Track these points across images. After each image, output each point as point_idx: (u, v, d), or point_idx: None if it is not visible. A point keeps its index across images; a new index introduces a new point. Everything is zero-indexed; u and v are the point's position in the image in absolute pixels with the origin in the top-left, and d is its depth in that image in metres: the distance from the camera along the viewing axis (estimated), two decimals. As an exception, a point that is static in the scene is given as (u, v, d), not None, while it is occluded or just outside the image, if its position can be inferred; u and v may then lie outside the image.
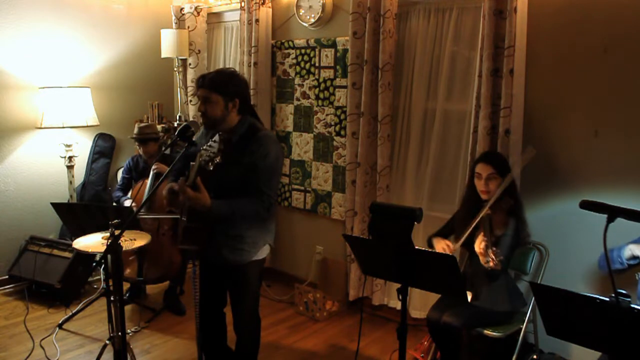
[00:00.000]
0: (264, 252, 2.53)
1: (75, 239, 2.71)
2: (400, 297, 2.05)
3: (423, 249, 2.00)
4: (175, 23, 4.71)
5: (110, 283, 2.47)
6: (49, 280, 3.83)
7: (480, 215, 2.58)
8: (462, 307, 2.60)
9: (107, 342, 2.58)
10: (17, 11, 3.98)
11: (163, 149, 3.87)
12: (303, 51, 4.00)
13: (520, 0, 2.79)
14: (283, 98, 4.20)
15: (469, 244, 2.66)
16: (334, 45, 3.81)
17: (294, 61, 4.08)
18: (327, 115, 3.91)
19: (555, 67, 2.84)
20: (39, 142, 4.21)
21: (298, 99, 4.09)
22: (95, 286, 4.18)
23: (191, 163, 2.21)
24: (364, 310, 3.60)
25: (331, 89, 3.86)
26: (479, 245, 2.54)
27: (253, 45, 4.08)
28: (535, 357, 2.87)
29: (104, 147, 4.55)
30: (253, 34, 4.06)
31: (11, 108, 4.05)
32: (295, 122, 4.13)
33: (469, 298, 2.63)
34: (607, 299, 1.49)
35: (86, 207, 3.55)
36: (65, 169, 4.17)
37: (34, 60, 4.11)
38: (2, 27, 3.93)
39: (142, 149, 3.78)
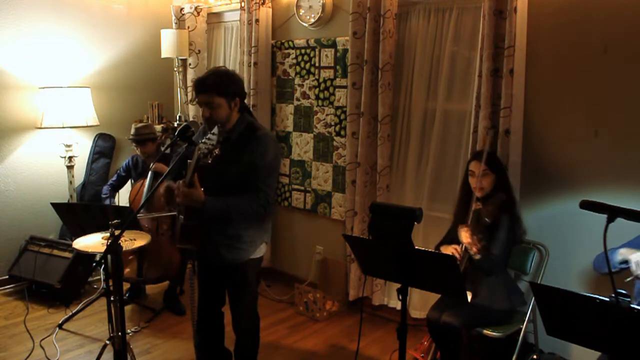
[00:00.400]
0: (261, 251, 2.54)
1: (75, 239, 2.71)
2: (400, 297, 2.05)
3: (423, 249, 2.00)
4: (175, 23, 4.71)
5: (110, 283, 2.47)
6: (49, 280, 3.83)
7: (472, 210, 2.66)
8: (462, 307, 2.60)
9: (107, 342, 2.58)
10: (17, 11, 3.98)
11: (162, 148, 3.87)
12: (303, 51, 4.00)
13: (520, 0, 2.79)
14: (283, 98, 4.20)
15: (479, 239, 2.68)
16: (334, 45, 3.81)
17: (294, 61, 4.08)
18: (327, 115, 3.91)
19: (555, 67, 2.84)
20: (39, 142, 4.21)
21: (298, 99, 4.08)
22: (95, 286, 4.18)
23: (188, 161, 2.21)
24: (364, 310, 3.60)
25: (331, 89, 3.86)
26: (465, 235, 2.61)
27: (253, 45, 4.08)
28: (535, 357, 2.87)
29: (104, 147, 4.55)
30: (253, 34, 4.06)
31: (11, 108, 4.05)
32: (295, 122, 4.13)
33: (469, 297, 2.64)
34: (607, 299, 1.49)
35: (86, 207, 3.55)
36: (65, 169, 4.17)
37: (34, 60, 4.11)
38: (2, 27, 3.93)
39: (139, 149, 3.77)
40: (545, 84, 2.88)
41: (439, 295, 2.78)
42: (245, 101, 2.47)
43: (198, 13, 4.60)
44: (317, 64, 3.93)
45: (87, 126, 4.19)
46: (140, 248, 2.87)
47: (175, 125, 4.50)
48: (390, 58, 3.36)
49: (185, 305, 3.78)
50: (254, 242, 2.46)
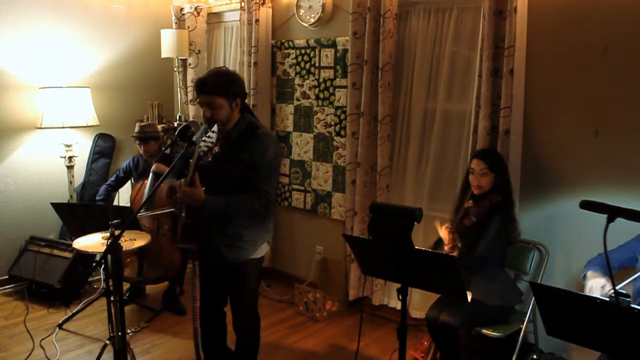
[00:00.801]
0: (262, 251, 2.53)
1: (75, 239, 2.71)
2: (400, 297, 2.05)
3: (423, 249, 2.00)
4: (175, 23, 4.71)
5: (110, 283, 2.47)
6: (49, 280, 3.83)
7: (463, 207, 2.71)
8: (461, 306, 2.61)
9: (107, 342, 2.58)
10: (17, 11, 3.98)
11: (163, 148, 3.87)
12: (303, 51, 4.00)
13: (520, 0, 2.79)
14: (283, 98, 4.20)
15: (461, 235, 2.73)
16: (334, 45, 3.81)
17: (294, 61, 4.08)
18: (327, 115, 3.91)
19: (555, 67, 2.84)
20: (39, 142, 4.21)
21: (298, 99, 4.08)
22: (95, 286, 4.18)
23: (190, 160, 2.22)
24: (364, 310, 3.60)
25: (331, 89, 3.86)
26: (443, 232, 2.70)
27: (253, 45, 4.08)
28: (535, 357, 2.87)
29: (104, 147, 4.55)
30: (253, 34, 4.06)
31: (11, 108, 4.05)
32: (295, 122, 4.13)
33: (469, 297, 2.65)
34: (607, 299, 1.50)
35: (86, 207, 3.56)
36: (65, 169, 4.17)
37: (34, 60, 4.11)
38: (2, 27, 3.93)
39: (142, 147, 3.77)
40: (545, 84, 2.88)
41: (439, 295, 2.78)
42: (246, 101, 2.47)
43: (198, 13, 4.60)
44: (317, 64, 3.93)
45: (87, 126, 4.19)
46: (141, 248, 2.87)
47: (176, 125, 4.50)
48: (390, 58, 3.36)
49: (186, 305, 3.79)
50: (254, 241, 2.46)
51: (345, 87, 3.73)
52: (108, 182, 3.97)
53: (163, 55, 4.54)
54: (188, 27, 4.61)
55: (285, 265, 4.36)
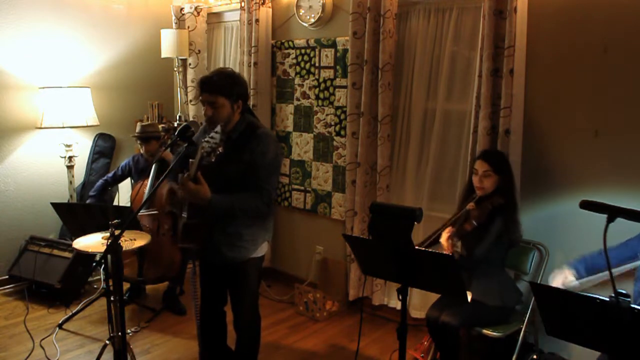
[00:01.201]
0: (262, 250, 2.54)
1: (75, 239, 2.71)
2: (400, 297, 2.05)
3: (423, 249, 2.00)
4: (175, 23, 4.71)
5: (110, 283, 2.47)
6: (49, 280, 3.83)
7: (465, 209, 2.68)
8: (461, 306, 2.61)
9: (107, 342, 2.58)
10: (17, 11, 3.98)
11: (163, 149, 3.87)
12: (303, 51, 4.00)
13: (520, 0, 2.79)
14: (283, 98, 4.20)
15: (461, 237, 2.72)
16: (334, 45, 3.81)
17: (294, 61, 4.08)
18: (327, 115, 3.91)
19: (555, 67, 2.84)
20: (39, 142, 4.21)
21: (298, 99, 4.09)
22: (95, 286, 4.17)
23: (190, 160, 2.21)
24: (364, 310, 3.60)
25: (331, 89, 3.86)
26: (444, 236, 2.67)
27: (253, 45, 4.08)
28: (535, 357, 2.86)
29: (104, 147, 4.56)
30: (253, 34, 4.06)
31: (11, 108, 4.05)
32: (295, 122, 4.13)
33: (469, 297, 2.65)
34: (607, 299, 1.50)
35: (86, 207, 3.56)
36: (65, 169, 4.17)
37: (34, 60, 4.11)
38: (2, 27, 3.93)
39: (144, 147, 3.78)
40: (545, 84, 2.88)
41: (439, 295, 2.78)
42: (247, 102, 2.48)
43: (198, 13, 4.60)
44: (317, 64, 3.93)
45: (87, 126, 4.19)
46: (141, 248, 2.87)
47: (176, 125, 4.50)
48: (390, 58, 3.36)
49: (186, 305, 3.78)
50: (255, 240, 2.47)
51: (345, 87, 3.73)
52: (106, 177, 3.97)
53: (163, 55, 4.54)
54: (188, 27, 4.61)
55: (285, 265, 4.36)
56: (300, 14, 3.91)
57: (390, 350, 3.22)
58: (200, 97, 2.37)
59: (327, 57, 3.86)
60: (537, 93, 2.91)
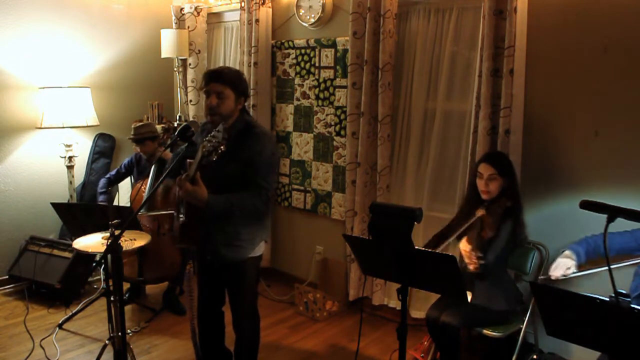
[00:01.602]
0: (260, 249, 2.54)
1: (75, 239, 2.71)
2: (400, 297, 2.05)
3: (423, 249, 2.00)
4: (175, 23, 4.71)
5: (110, 283, 2.47)
6: (49, 280, 3.83)
7: (476, 216, 2.63)
8: (461, 306, 2.60)
9: (107, 342, 2.59)
10: (17, 11, 3.98)
11: (163, 149, 3.87)
12: (303, 51, 4.00)
13: (520, 0, 2.79)
14: (283, 98, 4.20)
15: (481, 249, 2.67)
16: (334, 45, 3.81)
17: (294, 61, 4.08)
18: (327, 115, 3.91)
19: (555, 67, 2.84)
20: (39, 142, 4.21)
21: (298, 99, 4.08)
22: (95, 286, 4.18)
23: (188, 161, 2.21)
24: (364, 310, 3.60)
25: (331, 89, 3.86)
26: (465, 246, 2.62)
27: (253, 45, 4.08)
28: (535, 357, 2.86)
29: (104, 147, 4.56)
30: (253, 34, 4.06)
31: (11, 108, 4.05)
32: (295, 122, 4.13)
33: (469, 298, 2.64)
34: (607, 299, 1.50)
35: (86, 207, 3.56)
36: (65, 169, 4.17)
37: (34, 60, 4.11)
38: (2, 27, 3.93)
39: (140, 148, 3.78)
40: (545, 84, 2.88)
41: (439, 295, 2.78)
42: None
43: (198, 13, 4.61)
44: (317, 64, 3.93)
45: (87, 126, 4.19)
46: (141, 248, 2.87)
47: (176, 125, 4.50)
48: (390, 58, 3.36)
49: (186, 306, 3.78)
50: (252, 240, 2.47)
51: (345, 87, 3.73)
52: (108, 175, 3.98)
53: (163, 55, 4.54)
54: (188, 27, 4.61)
55: (285, 265, 4.36)
56: (300, 14, 3.91)
57: (390, 350, 3.22)
58: (206, 87, 2.36)
59: (327, 57, 3.86)
60: (537, 93, 2.91)
